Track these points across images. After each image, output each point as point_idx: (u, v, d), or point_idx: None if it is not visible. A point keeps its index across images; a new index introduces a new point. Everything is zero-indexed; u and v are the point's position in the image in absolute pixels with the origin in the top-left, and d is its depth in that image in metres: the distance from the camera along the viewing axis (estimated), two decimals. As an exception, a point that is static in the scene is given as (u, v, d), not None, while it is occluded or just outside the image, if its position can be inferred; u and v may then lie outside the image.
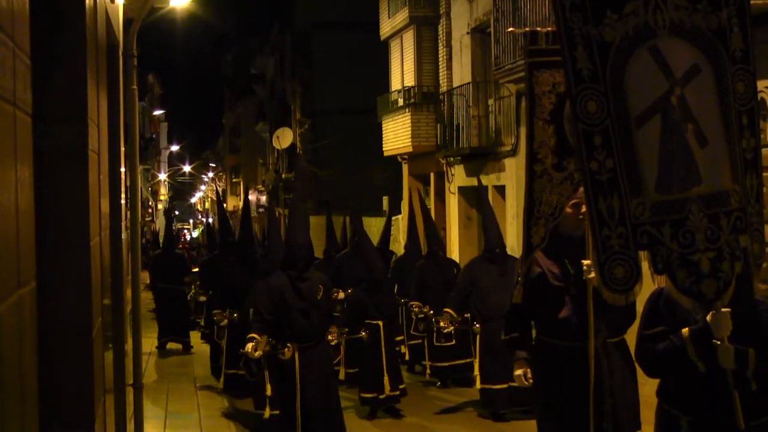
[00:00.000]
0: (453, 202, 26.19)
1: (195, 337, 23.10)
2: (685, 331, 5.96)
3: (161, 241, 28.32)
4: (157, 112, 75.88)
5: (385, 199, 31.96)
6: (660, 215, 5.63)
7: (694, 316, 6.00)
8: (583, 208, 7.61)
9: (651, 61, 5.65)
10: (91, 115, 5.33)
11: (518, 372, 8.36)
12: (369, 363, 13.93)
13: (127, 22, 10.04)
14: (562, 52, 5.68)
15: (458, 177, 26.01)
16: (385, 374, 13.74)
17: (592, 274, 7.49)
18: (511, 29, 17.96)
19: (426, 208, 18.62)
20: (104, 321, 6.02)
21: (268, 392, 12.86)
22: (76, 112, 5.16)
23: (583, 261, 7.61)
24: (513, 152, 22.26)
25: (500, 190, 23.34)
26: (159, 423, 13.50)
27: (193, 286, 22.13)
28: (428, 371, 16.31)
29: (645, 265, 5.77)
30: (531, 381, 8.25)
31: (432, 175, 28.52)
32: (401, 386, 14.04)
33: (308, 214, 10.98)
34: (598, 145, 5.62)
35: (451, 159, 26.27)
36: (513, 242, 21.81)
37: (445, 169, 26.94)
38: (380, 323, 13.95)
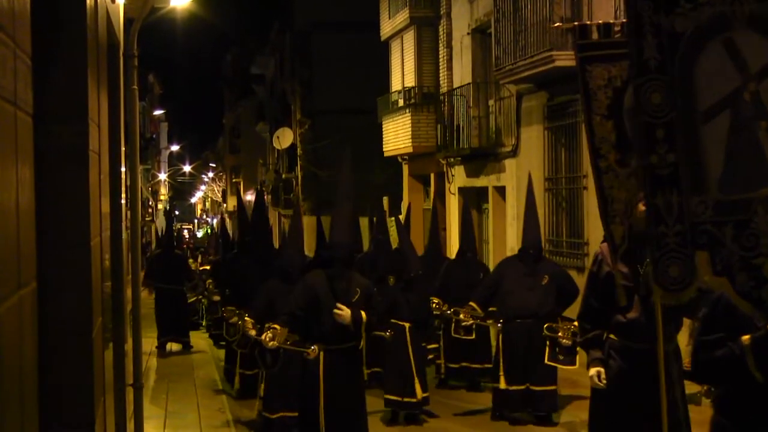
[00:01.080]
0: (453, 203, 26.19)
1: (195, 337, 23.13)
2: (745, 338, 5.57)
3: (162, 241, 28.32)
4: (158, 112, 75.87)
5: (385, 200, 31.95)
6: (722, 215, 5.37)
7: (756, 322, 5.62)
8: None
9: (724, 54, 5.38)
10: (91, 115, 5.33)
11: (592, 372, 8.22)
12: (395, 365, 13.65)
13: (128, 22, 10.05)
14: (630, 41, 5.50)
15: (458, 177, 26.03)
16: (416, 378, 13.48)
17: None
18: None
19: (469, 213, 18.28)
20: (104, 321, 6.02)
21: (261, 393, 12.87)
22: (77, 111, 5.16)
23: (648, 260, 7.37)
24: (513, 153, 22.27)
25: (500, 190, 23.35)
26: (159, 423, 13.49)
27: (207, 285, 22.13)
28: (443, 370, 16.18)
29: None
30: (605, 382, 8.13)
31: (432, 175, 28.53)
32: (425, 394, 13.72)
33: (351, 214, 10.77)
34: (660, 138, 5.40)
35: (452, 159, 26.29)
36: (513, 244, 21.83)
37: (445, 169, 26.96)
38: (407, 325, 13.68)
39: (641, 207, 7.14)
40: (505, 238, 22.93)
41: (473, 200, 25.44)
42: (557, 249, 20.19)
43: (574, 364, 11.88)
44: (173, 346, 22.19)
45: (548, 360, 12.17)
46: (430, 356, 15.65)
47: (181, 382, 17.56)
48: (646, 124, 5.42)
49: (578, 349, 11.31)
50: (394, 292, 14.02)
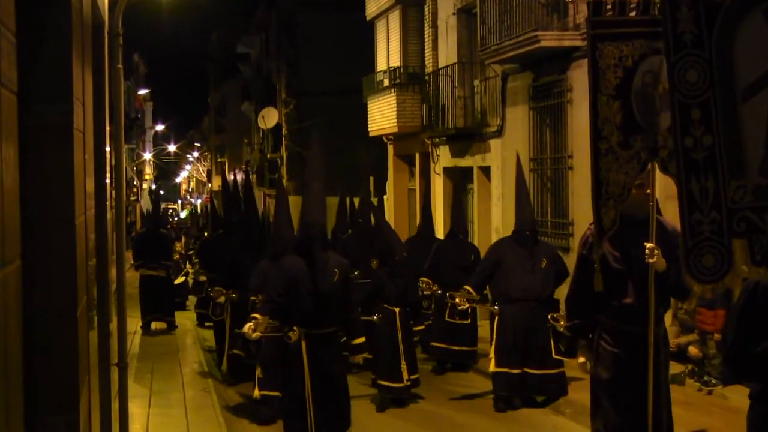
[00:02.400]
0: (438, 183, 26.19)
1: (180, 316, 23.14)
2: None
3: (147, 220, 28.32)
4: (142, 92, 75.70)
5: (371, 180, 31.95)
6: (763, 200, 5.11)
7: None
8: (648, 190, 7.51)
9: (766, 26, 5.06)
10: (76, 94, 5.31)
11: (581, 360, 8.26)
12: (384, 351, 13.60)
13: (113, 1, 10.00)
14: (663, 14, 5.22)
15: (443, 158, 26.02)
16: (403, 362, 13.44)
17: (655, 259, 7.47)
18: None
19: (459, 194, 18.15)
20: (89, 300, 6.01)
21: (259, 374, 12.85)
22: (62, 90, 5.14)
23: (645, 244, 7.45)
24: (498, 133, 22.28)
25: (485, 171, 23.35)
26: (144, 402, 13.51)
27: (193, 265, 22.15)
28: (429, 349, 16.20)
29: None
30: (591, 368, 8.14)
31: (417, 155, 28.51)
32: (413, 376, 13.74)
33: (323, 192, 10.52)
34: (695, 119, 5.13)
35: (437, 140, 26.27)
36: (498, 224, 21.88)
37: (430, 149, 26.94)
38: (396, 310, 13.63)
39: (633, 190, 7.18)
40: (490, 218, 22.94)
41: (458, 180, 25.45)
42: (542, 229, 20.17)
43: (575, 356, 11.76)
44: (158, 326, 22.21)
45: (555, 354, 11.88)
46: (416, 338, 15.56)
47: (166, 362, 17.59)
48: (680, 104, 5.17)
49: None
50: (381, 276, 13.91)
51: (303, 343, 10.03)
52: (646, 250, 7.41)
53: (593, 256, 7.62)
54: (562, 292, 10.52)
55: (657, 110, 6.87)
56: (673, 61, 5.16)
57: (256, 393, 12.76)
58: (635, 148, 6.97)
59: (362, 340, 10.89)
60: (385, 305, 13.62)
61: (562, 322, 12.59)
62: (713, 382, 13.45)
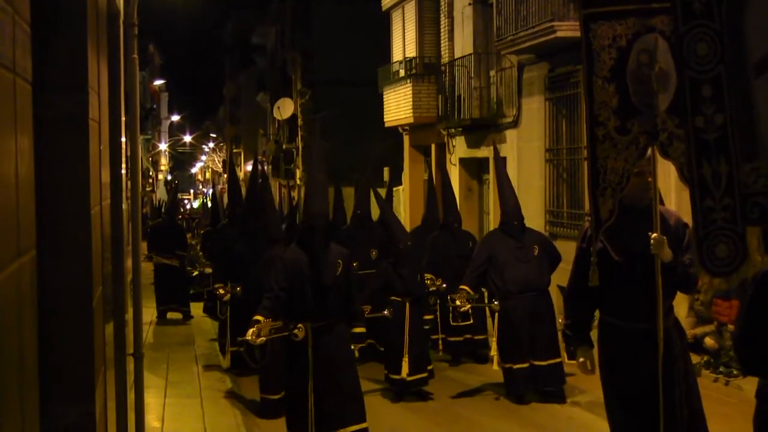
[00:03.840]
0: (454, 174, 26.14)
1: (196, 308, 23.16)
2: None
3: (163, 210, 28.33)
4: (158, 82, 75.74)
5: (386, 170, 31.93)
6: None
7: None
8: (649, 178, 7.22)
9: None
10: (91, 84, 5.31)
11: (581, 360, 7.88)
12: (393, 343, 13.44)
13: (128, -10, 10.00)
14: None
15: (459, 148, 25.98)
16: (406, 355, 13.18)
17: (661, 249, 7.15)
18: None
19: (448, 179, 17.97)
20: (104, 290, 6.01)
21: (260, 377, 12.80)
22: (77, 80, 5.13)
23: (650, 234, 7.13)
24: (514, 124, 22.23)
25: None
26: (159, 392, 13.51)
27: (198, 257, 22.14)
28: (440, 345, 15.94)
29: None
30: (592, 368, 7.82)
31: (433, 146, 28.47)
32: (429, 367, 13.56)
33: (326, 182, 10.32)
34: (707, 96, 4.81)
35: (452, 130, 26.23)
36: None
37: (446, 140, 26.90)
38: (407, 301, 13.43)
39: (633, 178, 6.85)
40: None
41: (474, 171, 25.40)
42: (558, 220, 20.19)
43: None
44: (173, 316, 22.25)
45: (569, 359, 11.24)
46: (427, 327, 15.35)
47: (181, 352, 17.61)
48: (691, 80, 4.87)
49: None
50: (386, 269, 13.72)
51: (309, 340, 9.81)
52: (651, 240, 7.08)
53: (597, 247, 7.22)
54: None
55: (654, 91, 6.56)
56: (682, 33, 4.88)
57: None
58: (633, 132, 6.64)
59: (362, 330, 10.72)
60: (394, 297, 13.40)
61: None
62: (734, 372, 13.37)
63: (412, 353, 13.28)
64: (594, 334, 7.94)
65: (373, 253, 16.57)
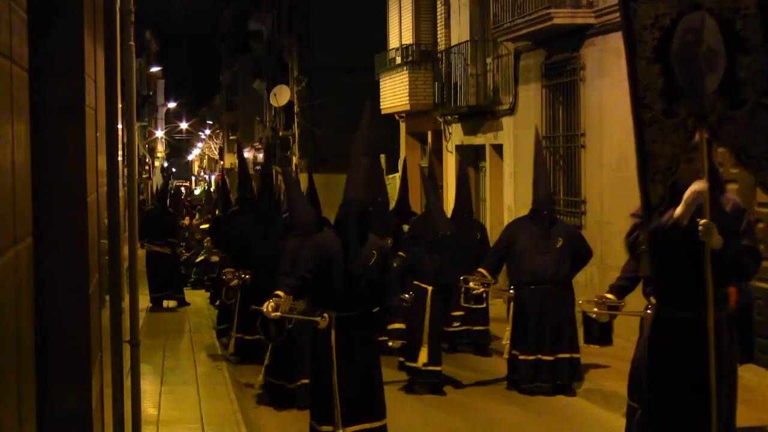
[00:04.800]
0: (450, 161, 26.17)
1: (193, 295, 23.18)
2: None
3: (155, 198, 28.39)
4: (154, 69, 75.69)
5: (383, 158, 31.95)
6: None
7: None
8: (698, 163, 6.80)
9: None
10: (88, 71, 5.30)
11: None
12: (411, 330, 12.68)
13: (124, -23, 9.97)
14: None
15: (456, 135, 25.99)
16: (424, 345, 12.89)
17: (710, 235, 6.77)
18: None
19: (465, 172, 17.77)
20: (101, 278, 6.01)
21: (267, 360, 12.66)
22: (74, 67, 5.12)
23: (698, 220, 6.75)
24: (511, 111, 22.23)
25: (497, 149, 23.32)
26: (156, 379, 13.53)
27: (205, 243, 22.15)
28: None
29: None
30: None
31: (429, 133, 28.49)
32: (436, 368, 13.13)
33: (369, 168, 9.86)
34: None
35: (449, 117, 26.23)
36: (510, 202, 21.87)
37: (442, 127, 26.91)
38: (429, 288, 13.10)
39: (684, 166, 6.66)
40: (502, 196, 22.92)
41: (470, 158, 25.40)
42: (554, 207, 20.19)
43: (610, 343, 10.66)
44: (170, 303, 22.28)
45: (585, 342, 10.93)
46: (457, 324, 15.05)
47: (177, 339, 17.63)
48: None
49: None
50: (419, 252, 13.49)
51: (333, 329, 9.45)
52: (700, 227, 6.73)
53: (640, 238, 7.13)
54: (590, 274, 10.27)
55: (702, 72, 6.26)
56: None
57: (260, 379, 12.66)
58: (680, 115, 6.39)
59: (402, 325, 10.35)
60: (418, 282, 13.13)
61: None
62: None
63: (431, 343, 13.01)
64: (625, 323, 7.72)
65: (388, 241, 16.49)
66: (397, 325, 10.11)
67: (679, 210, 6.81)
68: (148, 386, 12.53)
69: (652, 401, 7.46)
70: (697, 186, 6.70)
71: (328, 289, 9.50)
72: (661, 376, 7.35)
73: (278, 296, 9.55)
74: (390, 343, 10.11)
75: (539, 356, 12.84)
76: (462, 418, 12.16)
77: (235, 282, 15.06)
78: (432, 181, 17.50)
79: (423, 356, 12.91)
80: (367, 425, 9.49)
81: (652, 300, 7.65)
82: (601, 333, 10.24)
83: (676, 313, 7.22)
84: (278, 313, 9.53)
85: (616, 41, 16.89)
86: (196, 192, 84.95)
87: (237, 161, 24.17)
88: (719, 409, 6.91)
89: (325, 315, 9.44)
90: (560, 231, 13.17)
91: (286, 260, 11.65)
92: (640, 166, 6.57)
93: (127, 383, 8.01)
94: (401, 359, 13.37)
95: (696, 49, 6.28)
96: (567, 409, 12.44)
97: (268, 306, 9.51)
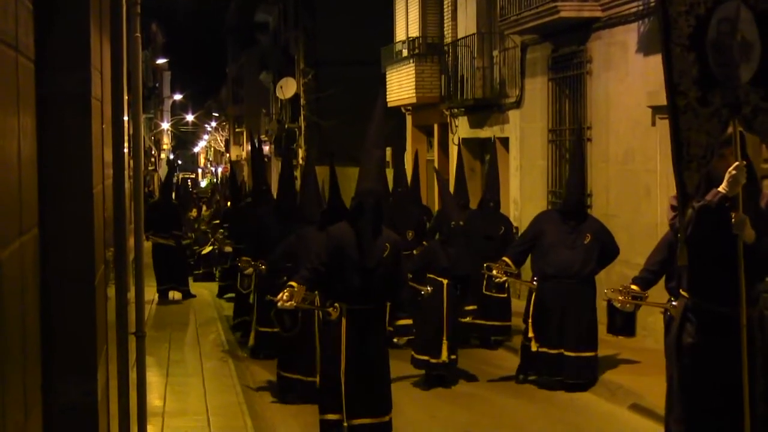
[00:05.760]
0: (455, 154, 26.14)
1: (200, 287, 23.20)
2: None
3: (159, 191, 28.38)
4: (160, 61, 75.68)
5: (389, 151, 31.94)
6: None
7: None
8: (733, 160, 6.63)
9: None
10: (94, 63, 5.30)
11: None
12: (428, 324, 12.91)
13: (131, -31, 9.96)
14: None
15: (462, 128, 25.96)
16: (445, 338, 12.75)
17: (743, 229, 6.64)
18: None
19: (495, 158, 17.67)
20: (106, 269, 6.02)
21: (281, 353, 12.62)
22: (80, 59, 5.12)
23: (732, 213, 6.62)
24: (517, 104, 22.20)
25: (504, 142, 23.28)
26: (161, 371, 13.55)
27: (218, 235, 22.16)
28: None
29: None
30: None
31: (436, 126, 28.45)
32: (452, 356, 13.02)
33: (383, 161, 9.68)
34: None
35: (455, 110, 26.21)
36: (516, 195, 21.84)
37: (448, 120, 26.88)
38: (445, 282, 12.92)
39: (716, 161, 6.54)
40: (508, 189, 22.87)
41: (476, 151, 25.38)
42: (560, 200, 20.17)
43: (633, 334, 10.58)
44: (176, 295, 22.31)
45: (608, 331, 10.77)
46: (468, 318, 14.58)
47: (183, 331, 17.66)
48: None
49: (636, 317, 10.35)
50: (434, 246, 13.39)
51: (343, 321, 9.41)
52: (733, 220, 6.61)
53: (677, 224, 6.88)
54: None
55: (736, 62, 6.24)
56: None
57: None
58: (715, 104, 6.33)
59: (409, 321, 10.22)
60: (433, 276, 12.97)
61: (621, 298, 12.10)
62: None
63: (449, 337, 12.89)
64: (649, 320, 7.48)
65: (410, 234, 16.40)
66: (403, 321, 10.03)
67: (723, 185, 6.63)
68: (154, 378, 12.55)
69: (683, 401, 7.30)
70: (738, 165, 6.57)
71: (342, 281, 9.44)
72: (690, 374, 7.20)
73: (292, 287, 9.43)
74: (395, 339, 10.00)
75: (562, 351, 12.68)
76: (468, 411, 12.14)
77: (249, 270, 14.98)
78: (440, 174, 17.39)
79: (445, 351, 12.81)
80: (372, 420, 9.44)
81: (683, 293, 7.49)
82: (624, 323, 10.15)
83: (708, 307, 7.08)
84: (292, 303, 9.41)
85: (622, 35, 16.87)
86: (202, 184, 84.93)
87: (249, 153, 24.18)
88: (753, 407, 6.74)
89: (336, 305, 9.41)
90: (589, 227, 13.00)
91: (278, 250, 12.00)
92: (675, 154, 6.44)
93: (133, 375, 8.01)
94: (413, 354, 13.13)
95: (730, 39, 6.25)
96: (572, 402, 12.42)
97: (282, 296, 9.39)
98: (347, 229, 9.56)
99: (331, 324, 9.50)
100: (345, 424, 9.40)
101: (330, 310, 9.45)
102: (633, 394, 11.95)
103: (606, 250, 12.97)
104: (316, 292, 10.02)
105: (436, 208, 18.67)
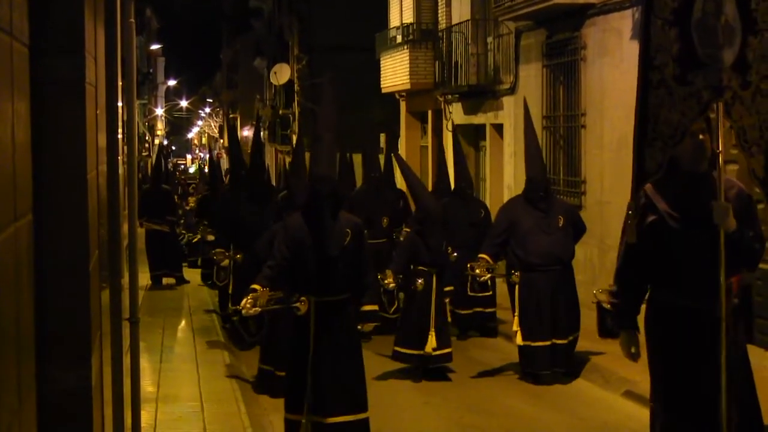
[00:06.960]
0: (450, 140, 26.14)
1: (193, 273, 23.18)
2: None
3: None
4: (155, 47, 75.57)
5: (383, 137, 31.94)
6: None
7: None
8: (701, 136, 6.54)
9: None
10: (88, 48, 5.28)
11: (631, 350, 7.04)
12: (412, 315, 12.78)
13: (125, -46, 9.94)
14: None
15: (456, 115, 25.96)
16: (432, 329, 12.54)
17: (725, 218, 6.35)
18: None
19: (459, 144, 17.56)
20: (100, 255, 6.01)
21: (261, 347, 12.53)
22: (74, 44, 5.11)
23: (713, 202, 6.34)
24: (511, 91, 22.20)
25: (498, 128, 23.30)
26: (155, 357, 13.56)
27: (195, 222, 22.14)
28: (449, 318, 14.52)
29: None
30: (637, 353, 7.00)
31: (430, 112, 28.47)
32: (446, 350, 12.76)
33: (334, 144, 9.39)
34: None
35: (449, 97, 26.21)
36: (510, 181, 21.85)
37: (443, 106, 26.88)
38: (434, 272, 12.77)
39: (688, 141, 6.39)
40: (502, 175, 22.92)
41: (471, 138, 25.38)
42: (554, 187, 20.16)
43: None
44: (169, 281, 22.34)
45: (599, 334, 9.60)
46: (447, 299, 14.03)
47: (176, 317, 17.66)
48: None
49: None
50: (414, 238, 13.07)
51: (312, 315, 9.00)
52: (714, 208, 6.30)
53: (631, 203, 6.50)
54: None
55: (720, 44, 6.06)
56: None
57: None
58: (696, 85, 6.10)
59: (375, 307, 9.93)
60: (422, 268, 12.78)
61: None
62: None
63: (438, 326, 12.67)
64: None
65: (385, 221, 16.26)
66: (369, 307, 9.57)
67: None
68: (147, 364, 12.56)
69: (660, 399, 7.06)
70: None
71: (304, 272, 9.09)
72: (660, 371, 6.99)
73: (254, 290, 9.08)
74: (359, 326, 9.70)
75: (554, 341, 12.48)
76: (461, 401, 12.09)
77: (226, 262, 14.83)
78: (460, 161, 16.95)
79: (432, 341, 12.58)
80: (346, 417, 9.01)
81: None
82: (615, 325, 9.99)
83: (678, 301, 6.76)
84: (257, 309, 9.08)
85: (617, 21, 16.87)
86: (191, 170, 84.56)
87: (246, 138, 24.08)
88: (730, 404, 6.44)
89: (304, 299, 9.03)
90: (559, 209, 12.85)
91: (264, 238, 11.68)
92: (638, 130, 6.19)
93: (127, 361, 8.01)
94: (396, 348, 12.93)
95: (715, 21, 6.09)
96: (566, 389, 12.43)
97: (246, 303, 9.04)
98: (303, 219, 9.23)
99: (300, 319, 9.11)
100: (303, 421, 8.97)
101: (298, 305, 9.03)
102: (627, 381, 11.96)
103: (576, 228, 12.88)
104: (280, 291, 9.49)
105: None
